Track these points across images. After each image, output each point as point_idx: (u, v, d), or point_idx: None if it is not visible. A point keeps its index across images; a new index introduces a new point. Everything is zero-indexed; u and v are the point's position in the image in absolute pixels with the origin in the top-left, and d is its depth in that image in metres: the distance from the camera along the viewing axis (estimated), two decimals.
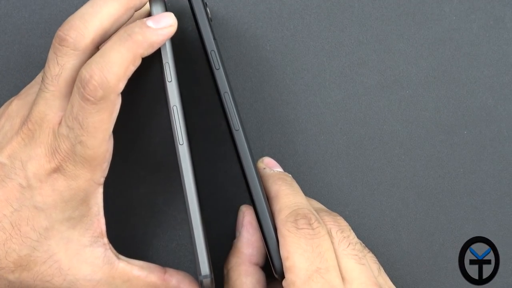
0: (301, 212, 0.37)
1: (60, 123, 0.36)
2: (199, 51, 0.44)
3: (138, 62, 0.36)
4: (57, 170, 0.36)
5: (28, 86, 0.40)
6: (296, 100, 0.45)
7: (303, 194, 0.39)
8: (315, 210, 0.38)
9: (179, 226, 0.44)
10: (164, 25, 0.37)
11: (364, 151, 0.45)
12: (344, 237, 0.37)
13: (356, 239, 0.38)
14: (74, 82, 0.36)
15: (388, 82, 0.45)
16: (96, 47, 0.37)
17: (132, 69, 0.36)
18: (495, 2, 0.45)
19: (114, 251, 0.39)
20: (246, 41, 0.44)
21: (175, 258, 0.44)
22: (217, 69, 0.38)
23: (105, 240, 0.38)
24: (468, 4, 0.45)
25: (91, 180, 0.37)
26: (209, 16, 0.38)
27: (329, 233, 0.37)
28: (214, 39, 0.38)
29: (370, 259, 0.39)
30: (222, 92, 0.38)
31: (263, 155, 0.43)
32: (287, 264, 0.36)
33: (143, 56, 0.36)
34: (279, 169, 0.42)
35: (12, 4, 0.44)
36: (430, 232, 0.45)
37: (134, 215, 0.44)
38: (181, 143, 0.38)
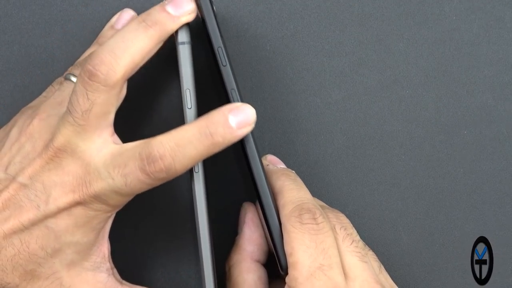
0: (306, 207, 0.37)
1: (95, 160, 0.36)
2: (200, 51, 0.44)
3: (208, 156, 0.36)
4: (79, 202, 0.36)
5: (48, 104, 0.39)
6: (296, 100, 0.45)
7: (307, 189, 0.39)
8: None
9: (179, 226, 0.44)
10: (244, 124, 0.36)
11: (364, 151, 0.45)
12: (348, 234, 0.37)
13: (358, 237, 0.38)
14: (103, 116, 0.36)
15: (388, 82, 0.45)
16: (126, 80, 0.36)
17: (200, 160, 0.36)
18: (495, 2, 0.45)
19: (118, 276, 0.39)
20: (246, 41, 0.44)
21: (175, 258, 0.44)
22: (224, 66, 0.38)
23: (108, 265, 0.38)
24: (468, 4, 0.45)
25: (109, 213, 0.37)
26: (216, 13, 0.38)
27: (333, 229, 0.37)
28: (221, 36, 0.38)
29: (371, 257, 0.39)
30: (229, 89, 0.38)
31: (263, 155, 0.43)
32: (290, 260, 0.36)
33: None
34: (282, 165, 0.42)
35: (12, 4, 0.44)
36: (430, 232, 0.45)
37: (134, 216, 0.44)
38: None
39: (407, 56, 0.45)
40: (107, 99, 0.36)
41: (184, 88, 0.38)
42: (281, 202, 0.38)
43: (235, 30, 0.44)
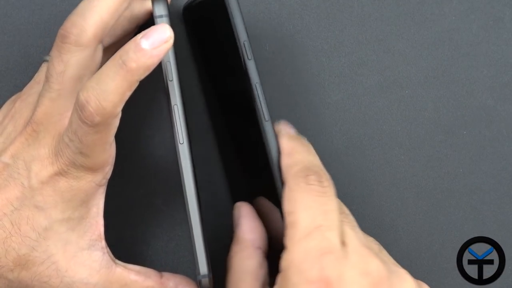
0: (314, 169, 0.36)
1: (64, 128, 0.36)
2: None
3: (134, 87, 0.35)
4: (59, 172, 0.36)
5: (28, 86, 0.40)
6: (296, 100, 0.45)
7: (318, 157, 0.38)
8: None
9: (179, 226, 0.44)
10: (159, 42, 0.34)
11: (364, 151, 0.45)
12: (346, 214, 0.37)
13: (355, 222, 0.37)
14: (79, 79, 0.37)
15: (387, 82, 0.45)
16: (99, 41, 0.37)
17: (128, 94, 0.35)
18: (495, 2, 0.45)
19: (112, 255, 0.39)
20: None
21: (174, 258, 0.44)
22: (249, 60, 0.38)
23: (103, 243, 0.38)
24: (467, 4, 0.45)
25: (92, 182, 0.37)
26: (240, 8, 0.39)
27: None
28: (246, 29, 0.38)
29: (371, 241, 0.38)
30: (253, 82, 0.38)
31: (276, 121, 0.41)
32: (290, 219, 0.35)
33: (140, 80, 0.35)
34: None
35: (12, 4, 0.44)
36: (429, 232, 0.45)
37: (133, 215, 0.44)
38: (181, 142, 0.38)
39: (407, 56, 0.45)
40: (81, 61, 0.36)
41: (165, 61, 0.38)
42: (289, 161, 0.37)
43: None
